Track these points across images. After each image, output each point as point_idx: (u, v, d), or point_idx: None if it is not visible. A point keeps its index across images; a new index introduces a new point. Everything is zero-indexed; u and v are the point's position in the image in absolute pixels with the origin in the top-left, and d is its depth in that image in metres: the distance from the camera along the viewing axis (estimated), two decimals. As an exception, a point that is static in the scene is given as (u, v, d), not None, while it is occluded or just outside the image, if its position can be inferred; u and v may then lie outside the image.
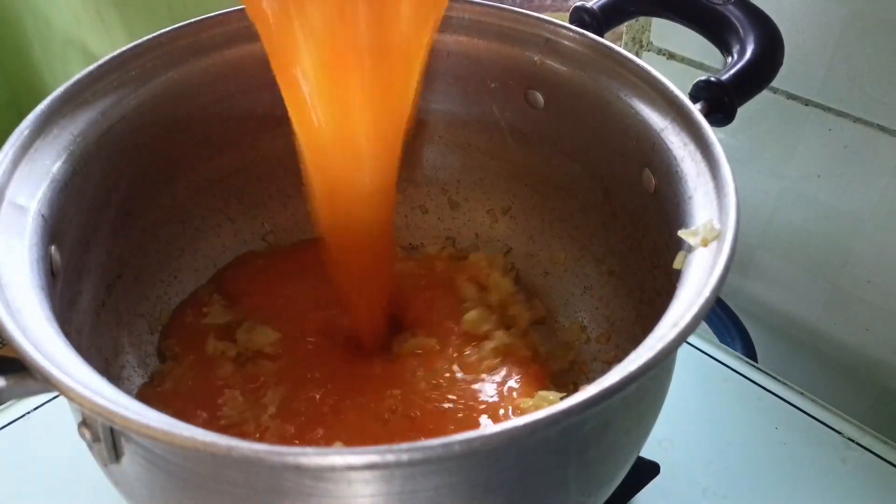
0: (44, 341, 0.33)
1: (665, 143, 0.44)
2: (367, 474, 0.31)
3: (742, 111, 0.46)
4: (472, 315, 0.53)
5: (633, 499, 0.53)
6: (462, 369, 0.50)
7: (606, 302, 0.55)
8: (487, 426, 0.43)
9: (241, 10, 0.52)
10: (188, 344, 0.52)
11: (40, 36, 0.71)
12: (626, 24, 0.63)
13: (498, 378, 0.50)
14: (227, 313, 0.54)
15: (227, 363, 0.50)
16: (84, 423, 0.35)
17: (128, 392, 0.46)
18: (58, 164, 0.42)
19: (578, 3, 0.53)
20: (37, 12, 0.70)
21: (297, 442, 0.44)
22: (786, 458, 0.56)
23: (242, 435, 0.44)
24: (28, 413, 0.58)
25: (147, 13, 0.76)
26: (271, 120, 0.57)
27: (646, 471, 0.53)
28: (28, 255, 0.37)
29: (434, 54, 0.55)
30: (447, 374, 0.49)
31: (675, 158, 0.43)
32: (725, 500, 0.54)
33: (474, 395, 0.48)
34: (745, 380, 0.62)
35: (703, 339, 0.65)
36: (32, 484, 0.54)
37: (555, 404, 0.30)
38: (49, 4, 0.70)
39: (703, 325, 0.72)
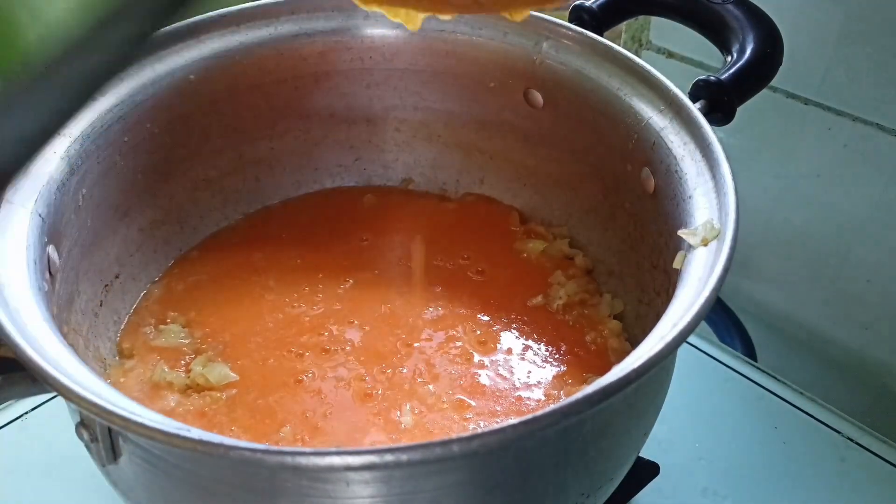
0: (42, 341, 0.33)
1: (665, 142, 0.44)
2: (366, 475, 0.31)
3: (741, 110, 0.46)
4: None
5: (633, 499, 0.53)
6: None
7: (606, 302, 0.55)
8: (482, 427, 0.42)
9: (239, 10, 0.52)
10: (141, 356, 0.47)
11: (37, 35, 0.71)
12: (625, 22, 0.63)
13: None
14: (183, 336, 0.49)
15: (172, 393, 0.45)
16: (82, 424, 0.35)
17: (126, 392, 0.45)
18: (55, 164, 0.42)
19: (577, 2, 0.53)
20: (33, 12, 0.70)
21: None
22: (785, 457, 0.56)
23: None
24: (26, 413, 0.58)
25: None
26: (269, 120, 0.57)
27: (646, 471, 0.53)
28: (26, 255, 0.37)
29: (433, 54, 0.55)
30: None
31: (674, 158, 0.43)
32: (725, 499, 0.54)
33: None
34: (745, 379, 0.62)
35: (703, 339, 0.65)
36: (31, 484, 0.54)
37: (554, 404, 0.30)
38: (46, 4, 0.70)
39: (703, 325, 0.71)
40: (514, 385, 0.46)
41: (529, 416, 0.29)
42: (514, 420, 0.29)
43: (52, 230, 0.41)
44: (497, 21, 0.52)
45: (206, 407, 0.44)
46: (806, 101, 0.64)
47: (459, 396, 0.45)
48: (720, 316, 0.74)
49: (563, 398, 0.45)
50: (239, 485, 0.33)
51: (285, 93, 0.56)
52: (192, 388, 0.45)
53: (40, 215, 0.40)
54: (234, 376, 0.46)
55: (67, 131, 0.44)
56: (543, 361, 0.48)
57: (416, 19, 0.34)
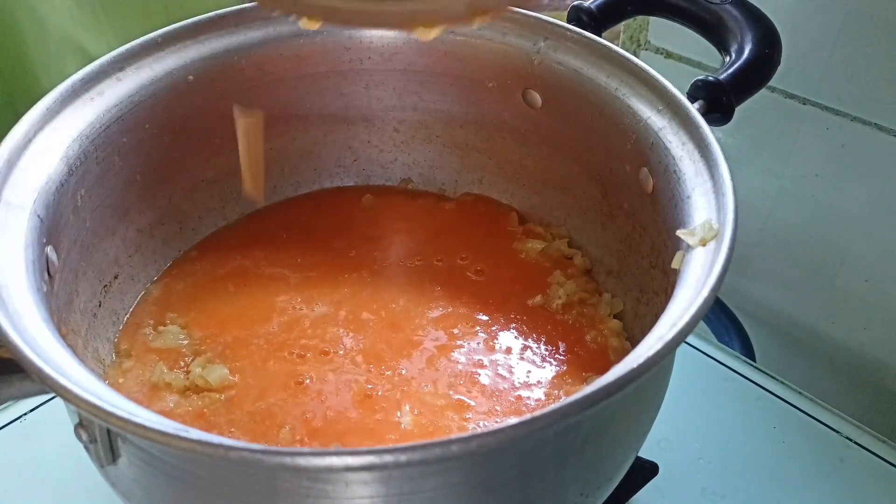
0: (40, 343, 0.33)
1: (663, 142, 0.44)
2: (365, 475, 0.31)
3: (740, 110, 0.46)
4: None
5: (633, 498, 0.53)
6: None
7: (605, 302, 0.55)
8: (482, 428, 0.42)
9: (238, 10, 0.52)
10: (139, 357, 0.47)
11: (36, 35, 0.71)
12: (623, 23, 0.63)
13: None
14: (183, 338, 0.48)
15: (171, 394, 0.45)
16: (81, 425, 0.34)
17: (125, 393, 0.45)
18: (54, 165, 0.42)
19: (576, 3, 0.53)
20: (32, 12, 0.70)
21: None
22: (784, 457, 0.56)
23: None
24: (25, 414, 0.58)
25: (143, 13, 0.75)
26: (267, 120, 0.56)
27: (645, 470, 0.53)
28: (24, 256, 0.37)
29: (432, 54, 0.55)
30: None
31: (673, 158, 0.43)
32: (724, 499, 0.54)
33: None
34: (744, 379, 0.62)
35: (702, 339, 0.65)
36: (29, 486, 0.54)
37: (552, 405, 0.30)
38: (44, 4, 0.70)
39: (702, 325, 0.71)
40: (513, 385, 0.46)
41: (528, 416, 0.29)
42: (513, 420, 0.29)
43: (50, 231, 0.41)
44: (496, 22, 0.52)
45: (204, 408, 0.44)
46: (804, 101, 0.64)
47: (459, 396, 0.45)
48: (719, 316, 0.74)
49: (563, 398, 0.45)
50: (238, 485, 0.33)
51: (284, 93, 0.56)
52: (191, 389, 0.45)
53: (39, 216, 0.40)
54: (233, 378, 0.45)
55: (66, 132, 0.44)
56: (543, 361, 0.48)
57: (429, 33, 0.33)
